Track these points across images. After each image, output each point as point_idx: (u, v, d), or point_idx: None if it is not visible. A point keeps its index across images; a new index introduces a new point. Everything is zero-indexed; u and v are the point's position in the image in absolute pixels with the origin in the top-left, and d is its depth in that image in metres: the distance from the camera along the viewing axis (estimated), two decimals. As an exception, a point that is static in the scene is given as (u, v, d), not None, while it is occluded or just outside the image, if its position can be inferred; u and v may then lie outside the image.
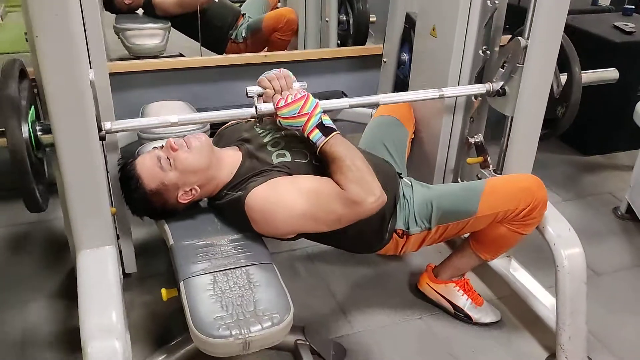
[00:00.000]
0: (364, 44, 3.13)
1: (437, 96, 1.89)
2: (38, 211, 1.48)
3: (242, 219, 1.59)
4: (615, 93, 2.46)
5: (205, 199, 1.72)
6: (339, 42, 3.22)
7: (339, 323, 2.05)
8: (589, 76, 1.99)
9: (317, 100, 1.62)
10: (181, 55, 3.24)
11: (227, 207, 1.64)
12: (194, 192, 1.64)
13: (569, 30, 1.81)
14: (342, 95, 2.80)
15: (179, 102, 2.29)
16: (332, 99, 1.82)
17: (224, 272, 1.48)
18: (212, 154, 1.65)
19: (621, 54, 2.97)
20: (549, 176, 2.93)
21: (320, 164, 1.64)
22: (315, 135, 1.59)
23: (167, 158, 1.60)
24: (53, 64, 1.27)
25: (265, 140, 1.74)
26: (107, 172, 1.75)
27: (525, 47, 1.75)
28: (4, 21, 3.20)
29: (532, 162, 1.96)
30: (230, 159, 1.70)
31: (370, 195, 1.52)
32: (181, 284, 1.46)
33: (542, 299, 2.04)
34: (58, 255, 2.28)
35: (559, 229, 1.85)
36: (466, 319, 2.05)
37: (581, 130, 3.03)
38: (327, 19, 3.19)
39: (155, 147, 1.67)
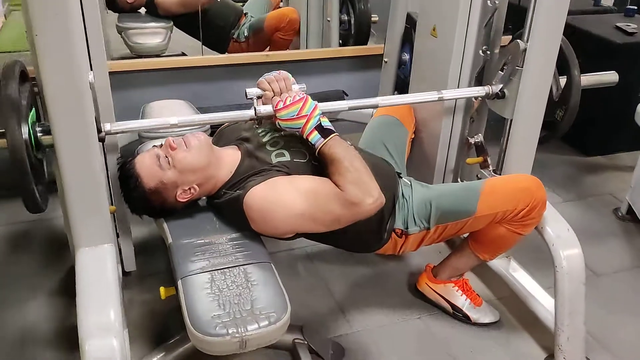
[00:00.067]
0: (366, 44, 3.13)
1: (437, 99, 1.90)
2: (37, 212, 1.50)
3: (240, 218, 1.60)
4: (616, 94, 2.45)
5: (204, 197, 1.73)
6: (340, 41, 3.22)
7: (338, 322, 2.05)
8: (589, 79, 1.99)
9: (315, 102, 1.63)
10: (183, 54, 3.26)
11: (225, 206, 1.65)
12: (192, 190, 1.64)
13: (569, 30, 1.81)
14: (343, 95, 2.80)
15: (180, 101, 2.30)
16: (333, 98, 1.83)
17: (221, 270, 1.49)
18: (211, 153, 1.66)
19: (622, 54, 2.96)
20: (550, 176, 2.94)
21: (319, 164, 1.64)
22: (314, 137, 1.59)
23: (166, 157, 1.60)
24: (52, 63, 1.28)
25: (265, 139, 1.75)
26: (107, 170, 1.76)
27: (525, 50, 1.75)
28: (8, 20, 3.21)
29: (532, 163, 1.96)
30: (230, 158, 1.71)
31: (368, 196, 1.53)
32: (179, 282, 1.46)
33: (541, 299, 2.03)
34: (58, 254, 2.28)
35: (558, 229, 1.85)
36: (465, 319, 2.05)
37: (582, 130, 3.02)
38: (328, 19, 3.19)
39: (154, 146, 1.68)
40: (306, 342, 1.85)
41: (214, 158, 1.66)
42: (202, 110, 2.28)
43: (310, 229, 1.63)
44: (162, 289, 1.59)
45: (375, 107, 1.89)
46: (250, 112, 1.65)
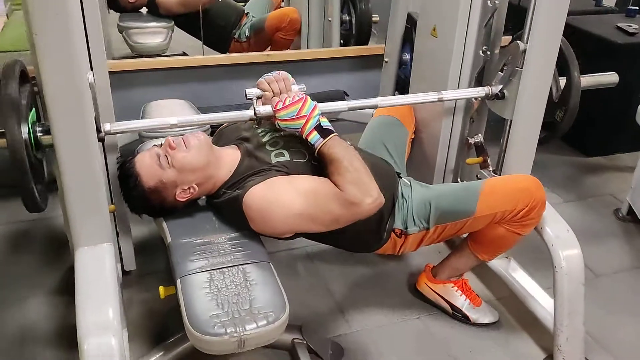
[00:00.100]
0: (367, 44, 3.13)
1: (436, 99, 1.90)
2: (37, 211, 1.50)
3: (240, 218, 1.60)
4: (617, 94, 2.45)
5: (203, 197, 1.73)
6: (341, 41, 3.22)
7: (337, 322, 2.05)
8: (588, 80, 1.99)
9: (315, 102, 1.63)
10: (184, 54, 3.26)
11: (225, 206, 1.65)
12: (192, 190, 1.64)
13: (570, 30, 1.81)
14: (344, 95, 2.80)
15: (181, 101, 2.30)
16: (334, 98, 1.83)
17: (220, 270, 1.49)
18: (211, 152, 1.66)
19: (623, 55, 2.96)
20: (550, 177, 2.94)
21: (318, 163, 1.65)
22: (314, 137, 1.59)
23: (166, 156, 1.61)
24: (52, 63, 1.28)
25: (264, 139, 1.75)
26: (107, 170, 1.76)
27: (525, 50, 1.76)
28: (10, 19, 3.22)
29: (531, 164, 1.97)
30: (229, 158, 1.71)
31: (367, 196, 1.53)
32: (178, 281, 1.47)
33: (541, 300, 2.04)
34: (57, 253, 2.29)
35: (558, 229, 1.85)
36: (464, 319, 2.05)
37: (583, 131, 3.02)
38: (329, 19, 3.19)
39: (154, 145, 1.68)
40: (305, 342, 1.85)
41: (214, 158, 1.66)
42: (203, 110, 2.28)
43: (310, 229, 1.63)
44: (161, 288, 1.59)
45: (375, 107, 1.90)
46: (249, 113, 1.66)
